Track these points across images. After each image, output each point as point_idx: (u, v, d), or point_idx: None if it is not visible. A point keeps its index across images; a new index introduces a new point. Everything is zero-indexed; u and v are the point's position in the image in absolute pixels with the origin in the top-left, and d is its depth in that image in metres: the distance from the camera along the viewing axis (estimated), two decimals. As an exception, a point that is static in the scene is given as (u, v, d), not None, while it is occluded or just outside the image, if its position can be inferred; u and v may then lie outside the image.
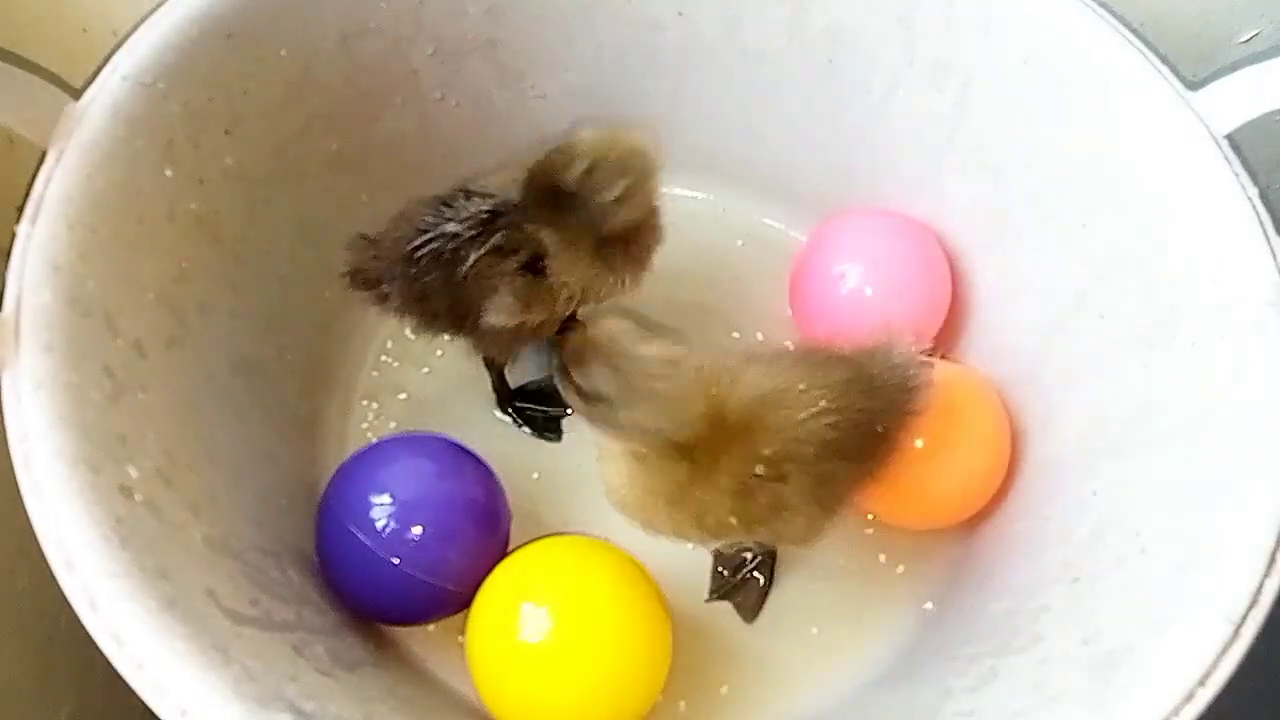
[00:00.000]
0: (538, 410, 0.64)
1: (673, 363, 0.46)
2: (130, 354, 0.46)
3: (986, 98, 0.57)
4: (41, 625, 0.55)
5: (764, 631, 0.58)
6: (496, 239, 0.52)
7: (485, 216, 0.52)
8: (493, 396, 0.64)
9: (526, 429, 0.64)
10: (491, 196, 0.53)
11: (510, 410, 0.64)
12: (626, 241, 0.54)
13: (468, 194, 0.53)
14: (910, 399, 0.50)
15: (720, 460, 0.47)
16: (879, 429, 0.50)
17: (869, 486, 0.51)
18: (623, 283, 0.55)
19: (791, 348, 0.65)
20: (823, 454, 0.48)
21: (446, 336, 0.59)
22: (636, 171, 0.51)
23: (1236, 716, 0.40)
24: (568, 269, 0.53)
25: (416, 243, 0.53)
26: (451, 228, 0.53)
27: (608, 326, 0.47)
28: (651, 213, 0.55)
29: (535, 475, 0.61)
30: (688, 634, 0.54)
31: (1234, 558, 0.40)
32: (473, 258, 0.52)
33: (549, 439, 0.63)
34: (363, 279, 0.56)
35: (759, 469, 0.47)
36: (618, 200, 0.51)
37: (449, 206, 0.53)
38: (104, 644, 0.37)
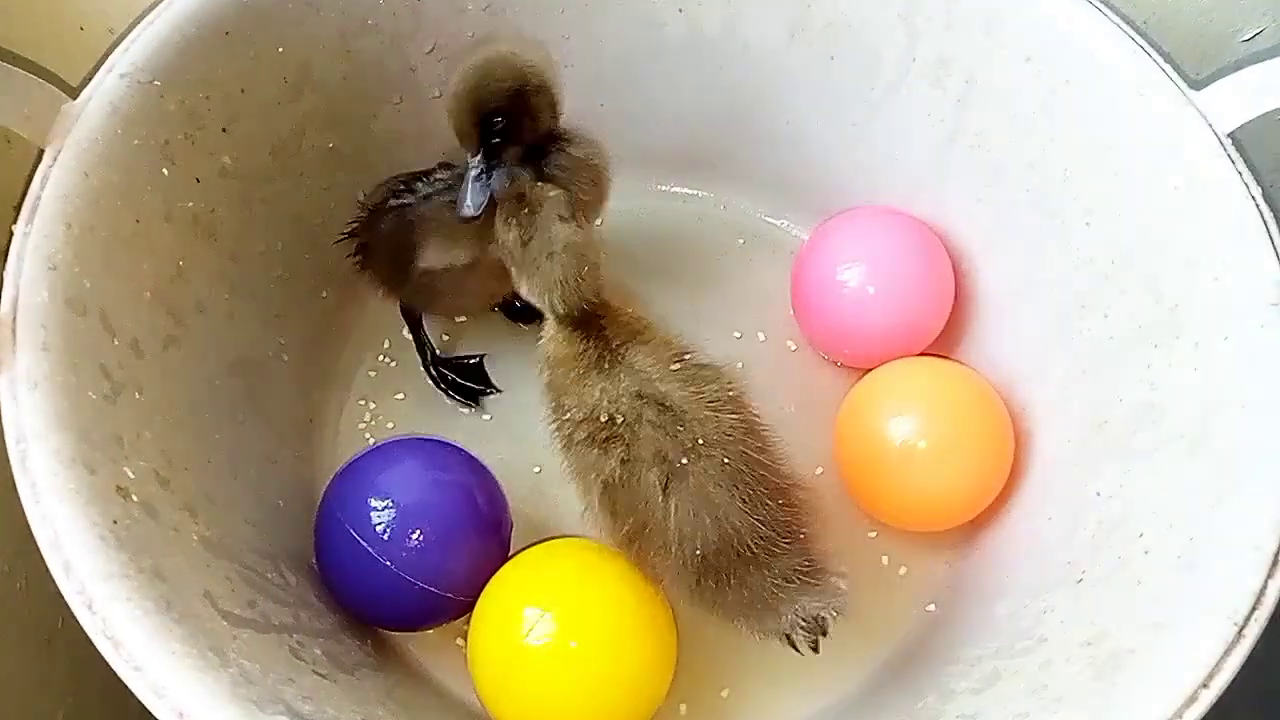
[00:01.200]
0: (461, 383, 0.64)
1: (573, 247, 0.47)
2: (127, 354, 0.45)
3: (989, 96, 0.57)
4: (40, 626, 0.55)
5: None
6: (448, 178, 0.55)
7: (453, 182, 0.55)
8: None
9: (449, 393, 0.64)
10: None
11: (433, 371, 0.64)
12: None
13: (447, 166, 0.57)
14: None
15: (621, 355, 0.48)
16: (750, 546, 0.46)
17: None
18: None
19: (794, 347, 0.66)
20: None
21: (388, 294, 0.61)
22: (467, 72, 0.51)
23: (1240, 718, 0.40)
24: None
25: (383, 198, 0.57)
26: (421, 188, 0.56)
27: (546, 191, 0.49)
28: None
29: (537, 469, 0.60)
30: (689, 636, 0.53)
31: (1237, 559, 0.40)
32: (424, 202, 0.56)
33: (467, 406, 0.64)
34: (349, 236, 0.60)
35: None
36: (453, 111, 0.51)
37: (427, 175, 0.57)
38: (101, 645, 0.37)
